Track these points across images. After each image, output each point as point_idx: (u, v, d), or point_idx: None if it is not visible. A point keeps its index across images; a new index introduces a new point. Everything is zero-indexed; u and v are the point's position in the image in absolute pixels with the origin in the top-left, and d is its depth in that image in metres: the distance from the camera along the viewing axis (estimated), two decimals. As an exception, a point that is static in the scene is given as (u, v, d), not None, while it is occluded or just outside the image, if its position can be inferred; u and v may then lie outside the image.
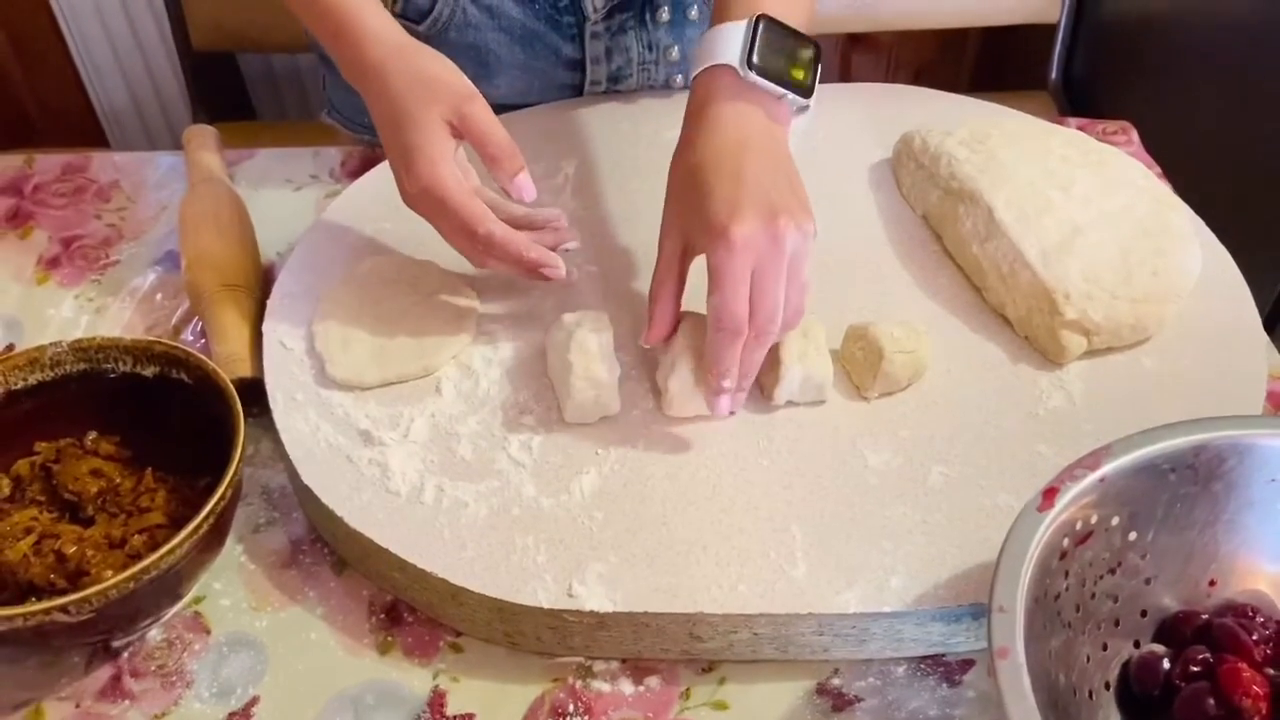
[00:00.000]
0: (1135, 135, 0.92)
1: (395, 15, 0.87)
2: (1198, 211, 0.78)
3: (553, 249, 0.68)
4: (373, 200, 0.79)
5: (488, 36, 0.88)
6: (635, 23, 0.89)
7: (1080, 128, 0.91)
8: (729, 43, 0.63)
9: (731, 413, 0.63)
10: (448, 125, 0.64)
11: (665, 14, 0.89)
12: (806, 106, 0.65)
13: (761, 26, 0.63)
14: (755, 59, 0.62)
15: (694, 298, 0.73)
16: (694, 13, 0.90)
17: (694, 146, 0.63)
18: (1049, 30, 1.60)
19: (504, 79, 0.90)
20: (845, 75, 1.93)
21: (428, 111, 0.64)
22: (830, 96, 0.93)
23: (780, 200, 0.59)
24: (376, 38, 0.67)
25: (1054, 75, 1.63)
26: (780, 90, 0.63)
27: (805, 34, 0.66)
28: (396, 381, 0.67)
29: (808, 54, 0.65)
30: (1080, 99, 1.64)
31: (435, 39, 0.89)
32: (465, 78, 0.66)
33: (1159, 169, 0.88)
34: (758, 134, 0.63)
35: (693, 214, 0.61)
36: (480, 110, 0.64)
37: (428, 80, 0.65)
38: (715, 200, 0.59)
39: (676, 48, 0.91)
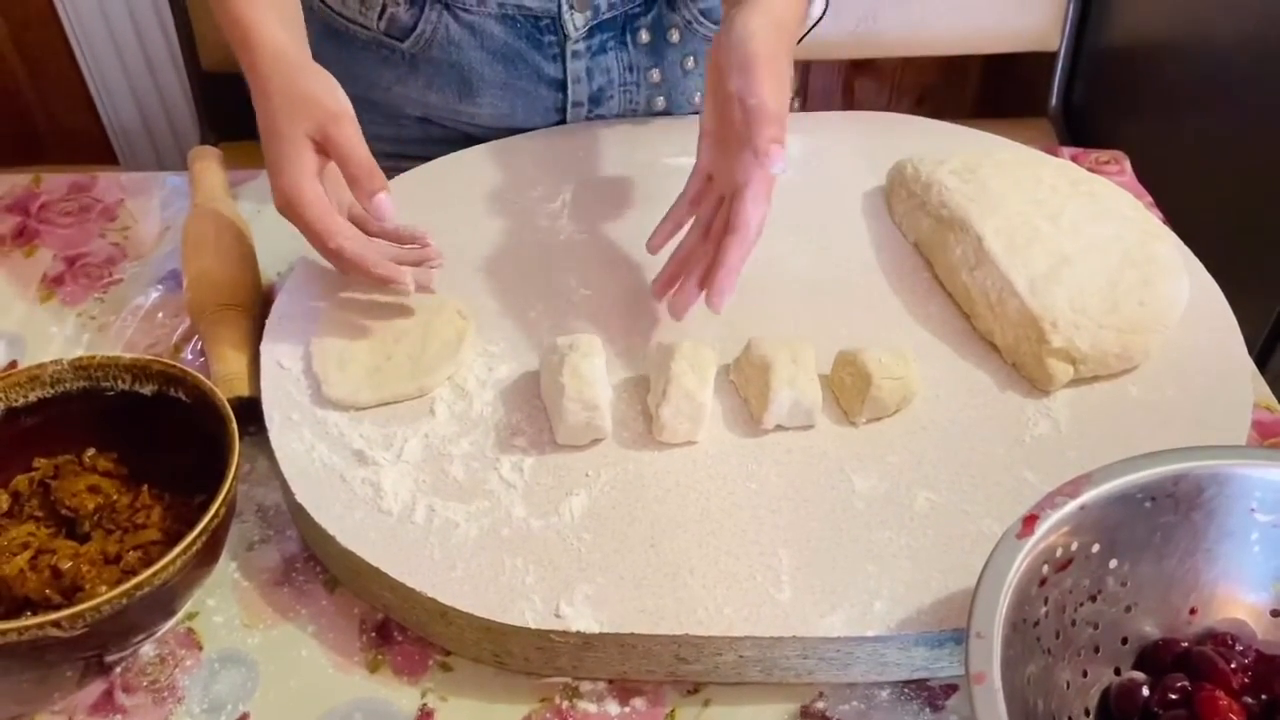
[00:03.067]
0: (1128, 165, 0.93)
1: (379, 34, 0.89)
2: (1193, 240, 0.78)
3: (418, 264, 0.73)
4: (372, 222, 0.80)
5: (470, 55, 0.90)
6: (616, 43, 0.90)
7: (1073, 157, 0.92)
8: None
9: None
10: (312, 142, 0.67)
11: (645, 36, 0.90)
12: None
13: None
14: None
15: (683, 327, 0.74)
16: (674, 36, 0.91)
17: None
18: (1049, 58, 1.61)
19: (486, 98, 0.92)
20: (848, 100, 1.94)
21: (295, 128, 0.66)
22: (828, 124, 0.94)
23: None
24: (269, 50, 0.69)
25: (1054, 102, 1.65)
26: None
27: None
28: (391, 402, 0.68)
29: None
30: (1080, 126, 1.65)
31: (420, 57, 0.90)
32: (342, 98, 0.68)
33: (1150, 199, 0.88)
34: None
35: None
36: (345, 130, 0.66)
37: (301, 97, 0.67)
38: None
39: (657, 70, 0.92)
